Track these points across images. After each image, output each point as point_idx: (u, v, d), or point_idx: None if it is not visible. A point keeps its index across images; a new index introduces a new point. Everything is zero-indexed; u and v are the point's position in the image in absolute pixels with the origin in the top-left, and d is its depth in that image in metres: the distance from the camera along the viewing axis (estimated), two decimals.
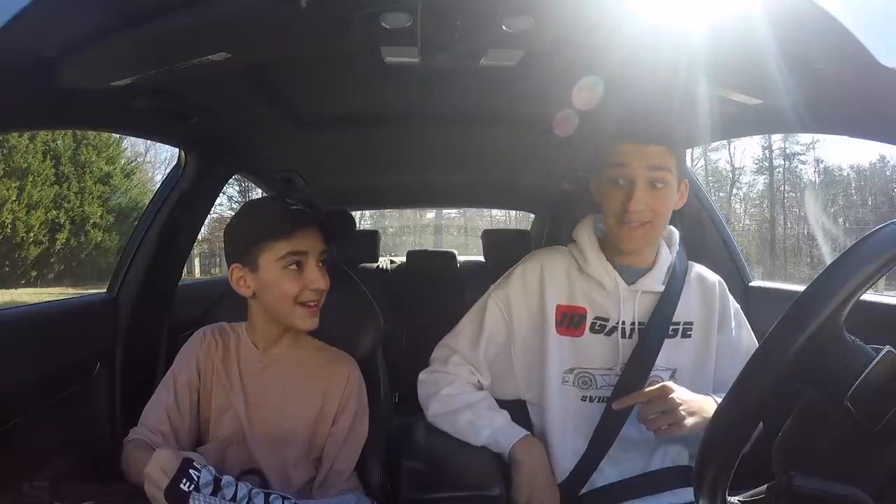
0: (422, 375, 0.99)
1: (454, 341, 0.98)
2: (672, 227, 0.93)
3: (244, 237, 0.87)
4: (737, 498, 0.50)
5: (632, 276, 0.90)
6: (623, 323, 0.88)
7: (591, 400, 0.89)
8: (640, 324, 0.89)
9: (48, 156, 11.12)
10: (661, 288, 0.89)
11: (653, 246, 0.90)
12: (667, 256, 0.91)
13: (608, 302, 0.89)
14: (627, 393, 0.87)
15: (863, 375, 0.45)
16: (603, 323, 0.89)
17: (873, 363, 0.46)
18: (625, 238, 0.86)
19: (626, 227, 0.84)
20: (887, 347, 0.46)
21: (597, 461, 0.87)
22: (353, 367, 0.98)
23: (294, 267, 0.85)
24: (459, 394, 0.93)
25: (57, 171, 11.22)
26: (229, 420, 0.91)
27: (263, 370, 0.93)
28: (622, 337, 0.88)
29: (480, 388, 0.96)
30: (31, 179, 10.66)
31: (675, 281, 0.90)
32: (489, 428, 0.88)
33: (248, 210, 0.94)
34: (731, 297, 0.96)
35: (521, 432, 0.88)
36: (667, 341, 0.89)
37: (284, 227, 0.84)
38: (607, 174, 0.86)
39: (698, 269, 0.96)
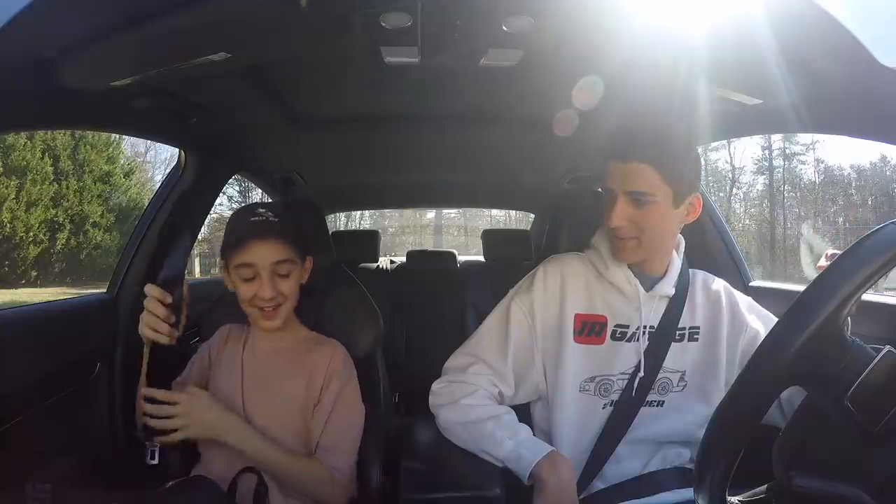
0: (435, 386, 0.95)
1: (476, 349, 0.94)
2: (679, 235, 0.93)
3: (223, 242, 0.93)
4: (737, 498, 0.50)
5: (648, 281, 0.90)
6: (642, 328, 0.89)
7: (610, 406, 0.89)
8: (650, 327, 0.89)
9: (47, 154, 11.11)
10: (673, 291, 0.90)
11: (658, 258, 0.90)
12: (677, 262, 0.92)
13: (628, 308, 0.89)
14: (636, 395, 0.87)
15: (863, 375, 0.45)
16: (624, 330, 0.89)
17: (873, 363, 0.46)
18: (615, 251, 0.87)
19: (615, 240, 0.86)
20: (887, 347, 0.46)
21: (602, 462, 0.87)
22: (336, 349, 1.00)
23: (248, 276, 0.90)
24: (480, 405, 0.89)
25: (56, 169, 11.21)
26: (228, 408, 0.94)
27: (260, 356, 0.98)
28: (637, 341, 0.89)
29: (501, 401, 0.93)
30: (30, 177, 10.65)
31: (681, 286, 0.91)
32: (512, 440, 0.83)
33: (231, 216, 0.98)
34: (738, 295, 0.95)
35: (547, 448, 0.83)
36: (674, 345, 0.89)
37: (237, 238, 0.90)
38: (602, 189, 0.87)
39: (702, 275, 0.96)
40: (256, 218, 0.90)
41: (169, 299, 0.83)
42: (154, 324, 0.82)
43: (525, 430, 0.87)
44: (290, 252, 0.92)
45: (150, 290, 0.83)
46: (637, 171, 0.80)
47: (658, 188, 0.81)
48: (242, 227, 0.90)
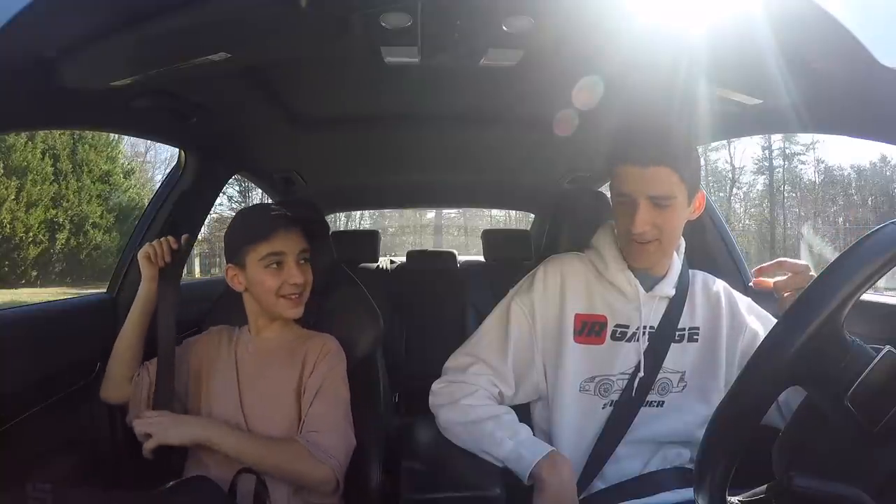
0: (435, 386, 0.95)
1: (476, 349, 0.94)
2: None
3: (234, 241, 0.99)
4: (737, 498, 0.50)
5: (649, 282, 0.90)
6: (641, 328, 0.89)
7: (609, 406, 0.89)
8: (650, 328, 0.89)
9: (47, 154, 11.12)
10: (673, 292, 0.90)
11: (666, 258, 0.90)
12: (678, 263, 0.92)
13: (628, 308, 0.89)
14: (636, 396, 0.87)
15: (863, 375, 0.45)
16: (624, 330, 0.89)
17: (873, 363, 0.46)
18: (634, 255, 0.86)
19: (634, 245, 0.85)
20: (887, 347, 0.46)
21: (602, 462, 0.87)
22: (329, 340, 1.03)
23: (275, 266, 0.97)
24: (480, 405, 0.89)
25: (56, 170, 11.21)
26: (225, 410, 0.96)
27: (255, 353, 1.01)
28: (637, 341, 0.89)
29: (501, 401, 0.93)
30: (30, 178, 10.65)
31: (681, 286, 0.91)
32: (512, 440, 0.83)
33: (238, 217, 1.05)
34: (737, 296, 0.95)
35: (547, 448, 0.83)
36: (674, 346, 0.89)
37: (264, 231, 0.96)
38: (613, 194, 0.86)
39: (701, 276, 0.96)
40: (276, 213, 0.99)
41: (176, 245, 1.03)
42: (154, 249, 1.00)
43: (525, 430, 0.87)
44: (307, 242, 1.01)
45: (168, 238, 1.03)
46: (659, 174, 0.79)
47: (678, 189, 0.81)
48: (267, 221, 0.97)
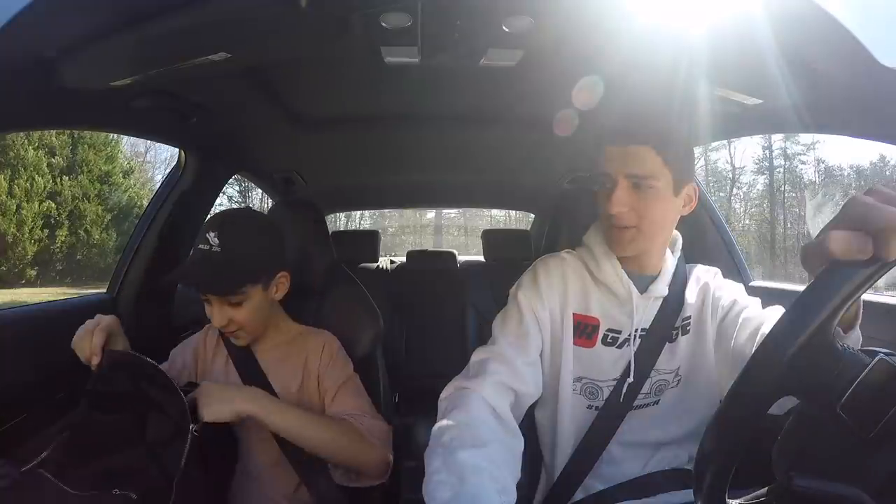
0: (443, 394, 0.86)
1: (492, 347, 0.86)
2: (676, 232, 0.91)
3: None
4: (736, 501, 0.50)
5: (642, 283, 0.88)
6: (633, 333, 0.87)
7: (596, 409, 0.88)
8: (642, 330, 0.87)
9: (45, 154, 11.12)
10: (666, 291, 0.88)
11: (655, 253, 0.87)
12: (671, 262, 0.89)
13: (621, 313, 0.87)
14: (624, 400, 0.86)
15: (855, 384, 0.45)
16: (615, 335, 0.88)
17: (865, 371, 0.45)
18: (612, 241, 0.84)
19: (612, 230, 0.83)
20: (879, 355, 0.46)
21: (592, 462, 0.87)
22: (328, 338, 1.01)
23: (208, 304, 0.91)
24: (455, 425, 0.75)
25: (54, 170, 11.23)
26: None
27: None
28: (628, 346, 0.87)
29: (514, 401, 0.82)
30: (28, 178, 10.67)
31: (677, 286, 0.89)
32: (451, 491, 0.62)
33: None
34: (727, 282, 0.92)
35: None
36: (667, 344, 0.88)
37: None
38: (596, 176, 0.84)
39: (697, 269, 0.94)
40: (203, 246, 0.86)
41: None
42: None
43: (474, 482, 0.64)
44: (237, 286, 0.87)
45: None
46: (638, 153, 0.78)
47: (660, 172, 0.78)
48: (192, 253, 0.89)
